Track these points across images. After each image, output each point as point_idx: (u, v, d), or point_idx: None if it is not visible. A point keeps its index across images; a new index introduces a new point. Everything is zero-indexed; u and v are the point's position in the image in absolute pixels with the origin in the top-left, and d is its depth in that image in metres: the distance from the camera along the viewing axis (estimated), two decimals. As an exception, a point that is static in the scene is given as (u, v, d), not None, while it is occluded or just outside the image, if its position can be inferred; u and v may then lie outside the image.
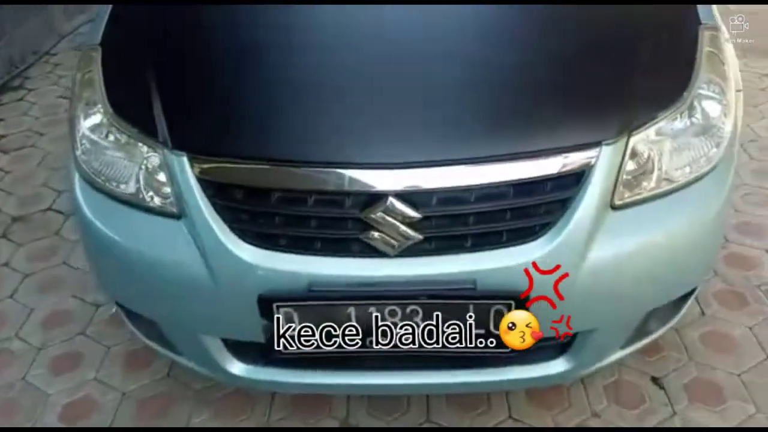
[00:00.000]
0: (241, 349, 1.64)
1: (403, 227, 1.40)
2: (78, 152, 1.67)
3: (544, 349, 1.58)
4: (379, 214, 1.39)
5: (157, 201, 1.55)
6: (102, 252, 1.65)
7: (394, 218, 1.40)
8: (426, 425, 1.89)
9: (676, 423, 1.86)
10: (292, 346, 1.48)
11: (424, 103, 1.50)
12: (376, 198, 1.40)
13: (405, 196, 1.40)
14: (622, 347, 1.69)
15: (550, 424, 1.88)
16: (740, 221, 2.58)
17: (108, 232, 1.60)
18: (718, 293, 2.27)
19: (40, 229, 2.76)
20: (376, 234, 1.41)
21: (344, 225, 1.44)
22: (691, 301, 1.76)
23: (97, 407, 1.99)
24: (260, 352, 1.61)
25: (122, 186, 1.59)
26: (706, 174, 1.58)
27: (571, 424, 1.88)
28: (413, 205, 1.40)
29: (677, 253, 1.56)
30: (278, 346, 1.48)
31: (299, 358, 1.51)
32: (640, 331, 1.68)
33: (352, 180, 1.41)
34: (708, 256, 1.72)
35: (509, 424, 1.88)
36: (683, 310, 1.76)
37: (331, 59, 1.60)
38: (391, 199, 1.39)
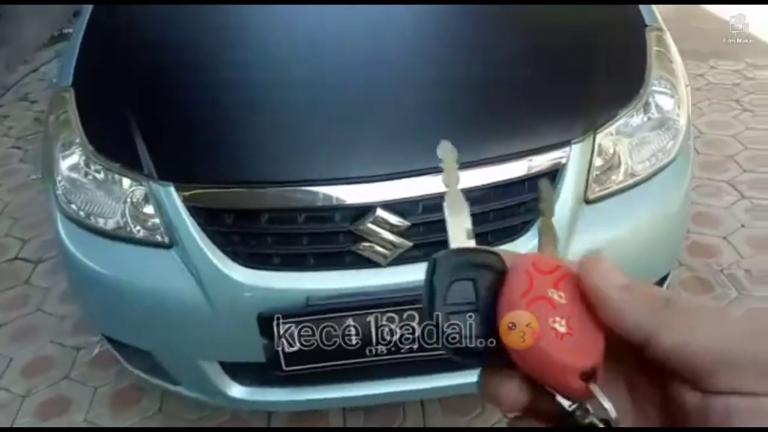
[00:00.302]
0: (239, 372, 1.66)
1: (392, 236, 1.45)
2: (59, 192, 1.68)
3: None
4: (368, 225, 1.44)
5: (144, 232, 1.57)
6: (91, 287, 1.66)
7: (383, 228, 1.45)
8: None
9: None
10: (294, 362, 1.51)
11: (401, 116, 1.57)
12: (364, 210, 1.46)
13: (391, 206, 1.45)
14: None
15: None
16: (696, 212, 2.71)
17: (96, 267, 1.60)
18: (685, 281, 2.39)
19: (9, 279, 2.71)
20: (367, 245, 1.46)
21: (336, 239, 1.48)
22: (666, 284, 1.85)
23: (89, 449, 1.97)
24: (260, 373, 1.63)
25: (108, 221, 1.61)
26: (667, 165, 1.68)
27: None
28: (400, 214, 1.46)
29: (649, 239, 1.66)
30: (280, 363, 1.50)
31: (301, 374, 1.54)
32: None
33: (339, 195, 1.46)
34: (677, 240, 1.81)
35: (504, 424, 1.93)
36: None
37: (308, 81, 1.66)
38: (379, 210, 1.45)
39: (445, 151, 0.45)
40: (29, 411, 2.10)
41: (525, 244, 1.48)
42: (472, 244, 0.40)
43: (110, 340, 1.80)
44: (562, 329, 0.36)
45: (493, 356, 0.38)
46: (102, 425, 2.03)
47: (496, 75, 1.68)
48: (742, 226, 2.67)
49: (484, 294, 0.39)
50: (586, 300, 0.37)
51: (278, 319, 1.46)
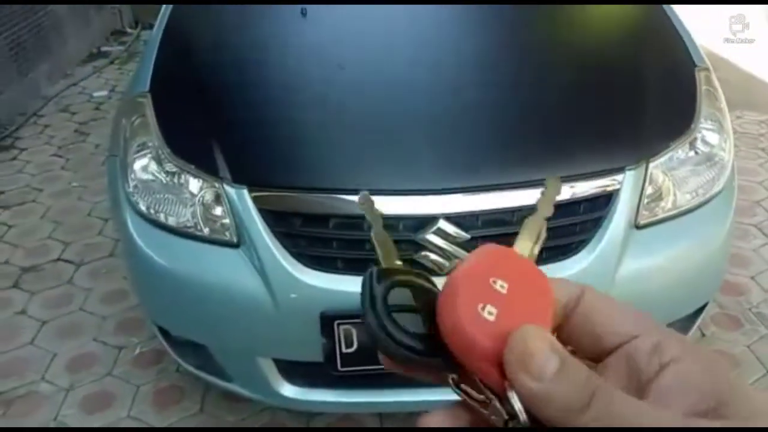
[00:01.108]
0: (292, 372, 1.72)
1: (452, 247, 1.52)
2: (130, 190, 1.77)
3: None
4: (431, 235, 1.52)
5: (213, 231, 1.65)
6: (156, 281, 1.73)
7: (445, 239, 1.52)
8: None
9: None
10: (349, 363, 1.57)
11: (467, 135, 1.66)
12: (426, 221, 1.53)
13: (453, 219, 1.53)
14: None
15: None
16: (725, 253, 2.78)
17: (163, 262, 1.68)
18: (715, 317, 2.44)
19: (53, 278, 2.79)
20: (427, 254, 1.53)
21: (398, 247, 1.55)
22: (703, 315, 1.91)
23: (134, 443, 2.02)
24: (313, 373, 1.69)
25: (178, 219, 1.69)
26: (712, 199, 1.76)
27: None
28: (460, 226, 1.53)
29: (692, 268, 1.72)
30: (337, 363, 1.57)
31: (354, 375, 1.60)
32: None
33: (404, 205, 1.54)
34: (718, 272, 1.88)
35: None
36: (696, 324, 1.90)
37: (382, 97, 1.76)
38: (441, 222, 1.52)
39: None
40: (73, 404, 2.16)
41: (579, 262, 1.55)
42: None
43: (164, 335, 1.86)
44: (490, 317, 0.34)
45: (432, 349, 0.37)
46: (146, 422, 2.08)
47: (560, 102, 1.78)
48: (770, 268, 2.73)
49: (424, 298, 0.39)
50: (535, 302, 0.36)
51: (339, 319, 1.52)
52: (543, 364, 0.32)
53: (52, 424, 2.08)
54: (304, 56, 1.95)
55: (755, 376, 2.19)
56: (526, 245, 0.41)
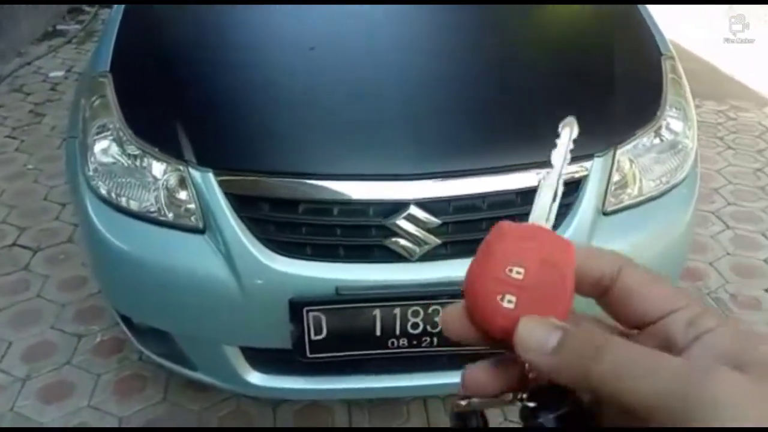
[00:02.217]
0: (259, 359, 1.69)
1: (423, 233, 1.52)
2: (89, 173, 1.71)
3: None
4: (401, 221, 1.51)
5: (177, 216, 1.61)
6: (118, 267, 1.68)
7: (415, 224, 1.51)
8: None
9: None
10: (318, 349, 1.56)
11: (441, 120, 1.65)
12: (397, 206, 1.52)
13: (424, 204, 1.52)
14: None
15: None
16: (684, 239, 2.84)
17: (125, 248, 1.63)
18: (666, 282, 2.48)
19: (8, 264, 2.70)
20: (398, 240, 1.52)
21: (368, 232, 1.54)
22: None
23: (96, 433, 1.97)
24: (280, 360, 1.67)
25: (141, 203, 1.64)
26: (677, 186, 1.78)
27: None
28: (431, 212, 1.52)
29: (657, 254, 1.74)
30: (305, 350, 1.55)
31: (322, 362, 1.59)
32: (627, 329, 1.84)
33: (375, 190, 1.52)
34: (680, 257, 1.90)
35: (505, 425, 1.99)
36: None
37: (353, 81, 1.74)
38: (412, 207, 1.51)
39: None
40: (30, 394, 2.09)
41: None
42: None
43: (126, 323, 1.82)
44: (510, 305, 0.37)
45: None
46: (107, 411, 2.03)
47: (531, 89, 1.77)
48: (727, 253, 2.80)
49: None
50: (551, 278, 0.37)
51: (308, 306, 1.50)
52: (544, 342, 0.35)
53: (9, 415, 2.02)
54: (273, 37, 1.91)
55: (714, 359, 2.24)
56: (544, 206, 0.41)
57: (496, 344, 0.38)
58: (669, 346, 0.35)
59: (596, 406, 0.38)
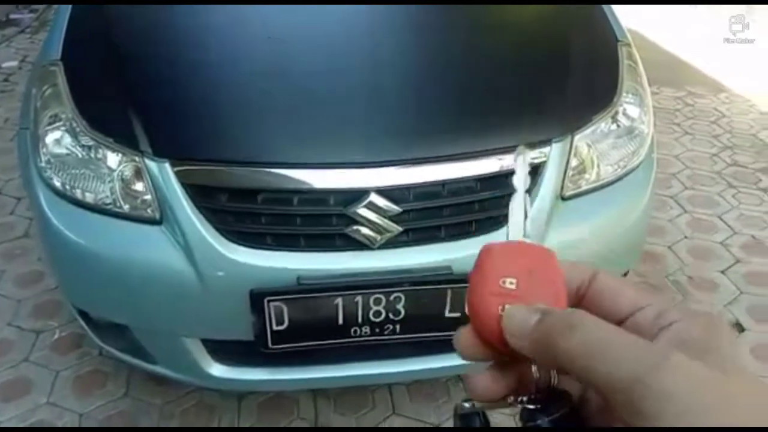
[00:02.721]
0: (220, 351, 1.68)
1: (384, 220, 1.51)
2: (42, 164, 1.67)
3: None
4: (361, 209, 1.50)
5: (133, 208, 1.58)
6: (74, 261, 1.64)
7: (375, 212, 1.51)
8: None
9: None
10: (281, 340, 1.55)
11: (398, 108, 1.64)
12: (358, 195, 1.51)
13: (384, 192, 1.52)
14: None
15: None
16: (644, 223, 2.89)
17: (81, 241, 1.60)
18: (635, 285, 2.53)
19: (-40, 261, 2.63)
20: (358, 228, 1.51)
21: (329, 221, 1.53)
22: (625, 283, 1.97)
23: (55, 430, 1.93)
24: (243, 352, 1.65)
25: (96, 195, 1.60)
26: (633, 170, 1.81)
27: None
28: (392, 199, 1.52)
29: (615, 237, 1.77)
30: (267, 340, 1.54)
31: (285, 352, 1.58)
32: (587, 312, 1.87)
33: (334, 179, 1.51)
34: (638, 241, 1.93)
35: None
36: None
37: (310, 68, 1.72)
38: (372, 195, 1.50)
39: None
40: (-13, 392, 2.05)
41: (505, 235, 1.57)
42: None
43: (84, 318, 1.78)
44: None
45: None
46: (67, 408, 1.99)
47: (485, 76, 1.78)
48: (685, 237, 2.86)
49: None
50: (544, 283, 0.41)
51: (269, 296, 1.49)
52: (524, 322, 0.38)
53: (-35, 415, 1.97)
54: (230, 26, 1.87)
55: (672, 340, 2.29)
56: (518, 224, 0.45)
57: (508, 357, 0.40)
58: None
59: (583, 403, 0.41)
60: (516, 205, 0.46)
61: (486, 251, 0.43)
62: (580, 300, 0.42)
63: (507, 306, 0.39)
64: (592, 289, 0.41)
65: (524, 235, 0.44)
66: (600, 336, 0.35)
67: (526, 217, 0.45)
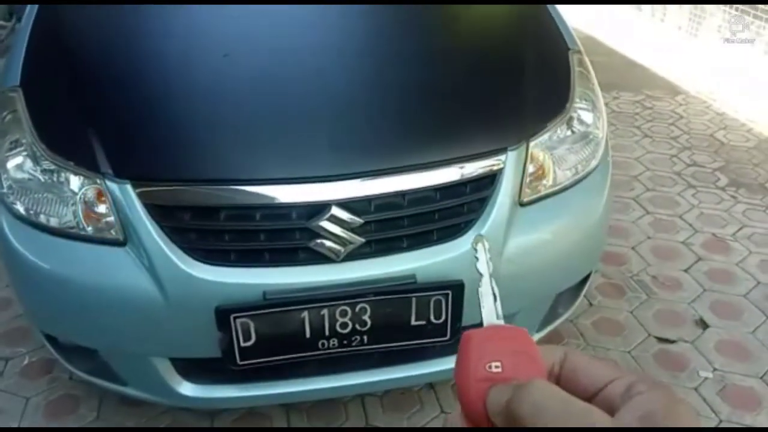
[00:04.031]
0: (190, 370, 1.69)
1: (346, 233, 1.54)
2: (4, 190, 1.67)
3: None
4: (323, 222, 1.53)
5: (97, 230, 1.59)
6: (39, 285, 1.65)
7: (337, 225, 1.53)
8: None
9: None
10: (249, 356, 1.56)
11: (354, 120, 1.68)
12: (319, 208, 1.54)
13: (346, 204, 1.54)
14: (538, 330, 1.91)
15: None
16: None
17: (45, 266, 1.60)
18: (600, 286, 2.59)
19: (-75, 291, 2.59)
20: (322, 241, 1.54)
21: (292, 235, 1.55)
22: (588, 284, 2.02)
23: (25, 458, 1.92)
24: (212, 369, 1.67)
25: (59, 219, 1.61)
26: (589, 174, 1.86)
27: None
28: (353, 212, 1.55)
29: (575, 240, 1.82)
30: (235, 357, 1.55)
31: (254, 368, 1.59)
32: (551, 314, 1.91)
33: (295, 193, 1.54)
34: (598, 242, 1.98)
35: (442, 418, 2.03)
36: (583, 293, 2.02)
37: (266, 84, 1.74)
38: (334, 208, 1.53)
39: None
40: (-44, 423, 2.02)
41: (468, 241, 1.60)
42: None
43: (52, 343, 1.78)
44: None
45: None
46: (37, 434, 1.98)
47: (441, 86, 1.83)
48: (648, 237, 2.93)
49: None
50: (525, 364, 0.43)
51: (235, 312, 1.51)
52: (496, 400, 0.41)
53: (-68, 446, 1.95)
54: (185, 45, 1.90)
55: (638, 339, 2.34)
56: (490, 308, 0.47)
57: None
58: (611, 412, 0.39)
59: None
60: (485, 290, 0.48)
61: (466, 339, 0.44)
62: (556, 380, 0.44)
63: (491, 389, 0.41)
64: (565, 369, 0.44)
65: (498, 317, 0.46)
66: (548, 400, 0.39)
67: (495, 299, 0.47)
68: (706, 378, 2.17)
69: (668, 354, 2.28)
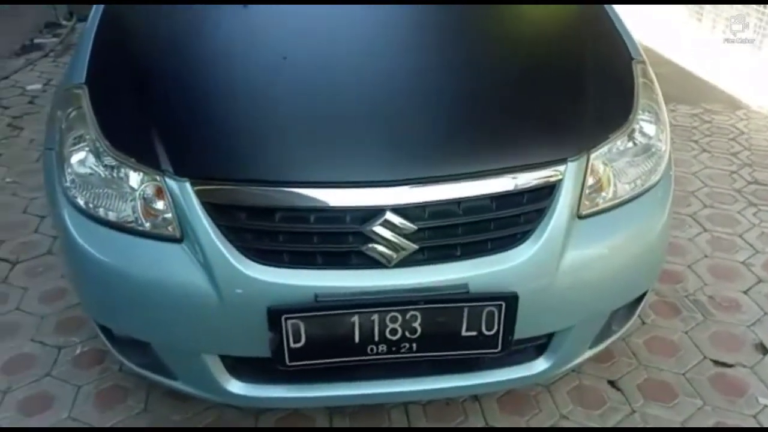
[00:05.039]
0: (239, 368, 1.69)
1: (399, 239, 1.53)
2: (67, 184, 1.71)
3: (525, 350, 1.75)
4: (377, 227, 1.52)
5: (154, 226, 1.61)
6: (97, 278, 1.67)
7: (392, 230, 1.52)
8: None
9: (637, 419, 2.04)
10: (298, 357, 1.56)
11: (413, 126, 1.66)
12: (374, 213, 1.53)
13: (400, 210, 1.53)
14: (591, 347, 1.86)
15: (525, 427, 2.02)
16: (662, 242, 2.87)
17: (104, 258, 1.63)
18: (654, 304, 2.52)
19: (-14, 278, 2.68)
20: (374, 246, 1.53)
21: (346, 239, 1.54)
22: (644, 302, 1.96)
23: (74, 445, 1.96)
24: (261, 369, 1.67)
25: (120, 214, 1.64)
26: (650, 189, 1.81)
27: (546, 426, 2.02)
28: (408, 218, 1.53)
29: (633, 257, 1.77)
30: (285, 358, 1.56)
31: (304, 369, 1.60)
32: (605, 331, 1.86)
33: (351, 197, 1.53)
34: (657, 260, 1.92)
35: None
36: (638, 311, 1.96)
37: (327, 88, 1.75)
38: (388, 213, 1.52)
39: None
40: (11, 406, 2.07)
41: (523, 253, 1.57)
42: None
43: (106, 334, 1.81)
44: None
45: None
46: (87, 423, 2.02)
47: (501, 94, 1.80)
48: (705, 256, 2.84)
49: None
50: None
51: (287, 313, 1.51)
52: None
53: (-12, 429, 2.00)
54: (246, 47, 1.92)
55: (693, 361, 2.27)
56: None
57: None
58: None
59: None
60: None
61: None
62: None
63: None
64: None
65: None
66: None
67: None
68: (765, 406, 2.08)
69: (725, 378, 2.20)
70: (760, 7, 4.71)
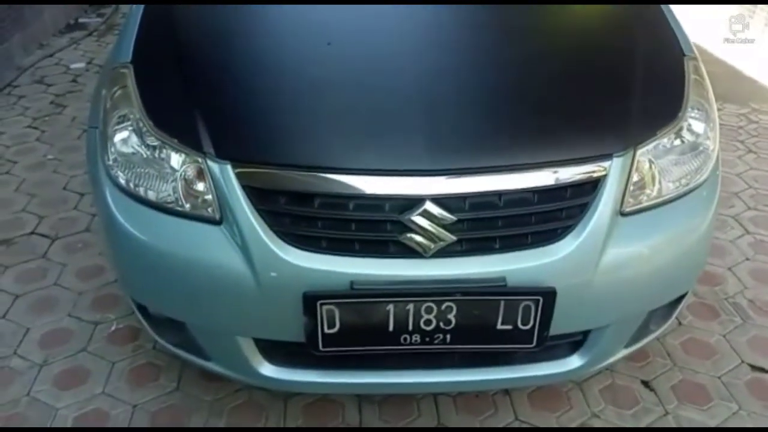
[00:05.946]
0: (272, 351, 1.70)
1: (437, 229, 1.51)
2: (109, 162, 1.73)
3: (560, 346, 1.73)
4: (417, 216, 1.50)
5: (194, 207, 1.62)
6: (135, 256, 1.69)
7: (431, 220, 1.51)
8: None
9: (670, 421, 2.00)
10: (331, 343, 1.56)
11: (459, 117, 1.65)
12: (413, 202, 1.51)
13: (440, 200, 1.52)
14: (626, 346, 1.83)
15: (555, 425, 1.99)
16: (703, 243, 2.81)
17: (143, 237, 1.65)
18: (692, 306, 2.47)
19: (27, 252, 2.73)
20: (412, 235, 1.51)
21: (384, 227, 1.53)
22: (683, 303, 1.92)
23: (108, 419, 1.99)
24: (293, 353, 1.68)
25: (159, 194, 1.65)
26: (696, 188, 1.77)
27: (574, 425, 2.00)
28: (447, 208, 1.52)
29: (675, 257, 1.73)
30: (318, 343, 1.56)
31: (337, 356, 1.60)
32: (642, 331, 1.83)
33: (391, 185, 1.52)
34: (699, 261, 1.88)
35: (516, 425, 1.99)
36: (677, 312, 1.92)
37: (371, 76, 1.74)
38: (428, 203, 1.51)
39: None
40: (47, 379, 2.12)
41: (564, 248, 1.55)
42: None
43: (142, 312, 1.83)
44: None
45: None
46: (121, 399, 2.05)
47: (549, 87, 1.77)
48: (747, 258, 2.77)
49: None
50: None
51: (322, 299, 1.51)
52: None
53: (25, 400, 2.04)
54: (290, 33, 1.92)
55: (730, 365, 2.22)
56: None
57: None
58: None
59: None
60: None
61: None
62: None
63: None
64: None
65: None
66: None
67: None
68: (804, 414, 2.03)
69: (763, 384, 2.15)
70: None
